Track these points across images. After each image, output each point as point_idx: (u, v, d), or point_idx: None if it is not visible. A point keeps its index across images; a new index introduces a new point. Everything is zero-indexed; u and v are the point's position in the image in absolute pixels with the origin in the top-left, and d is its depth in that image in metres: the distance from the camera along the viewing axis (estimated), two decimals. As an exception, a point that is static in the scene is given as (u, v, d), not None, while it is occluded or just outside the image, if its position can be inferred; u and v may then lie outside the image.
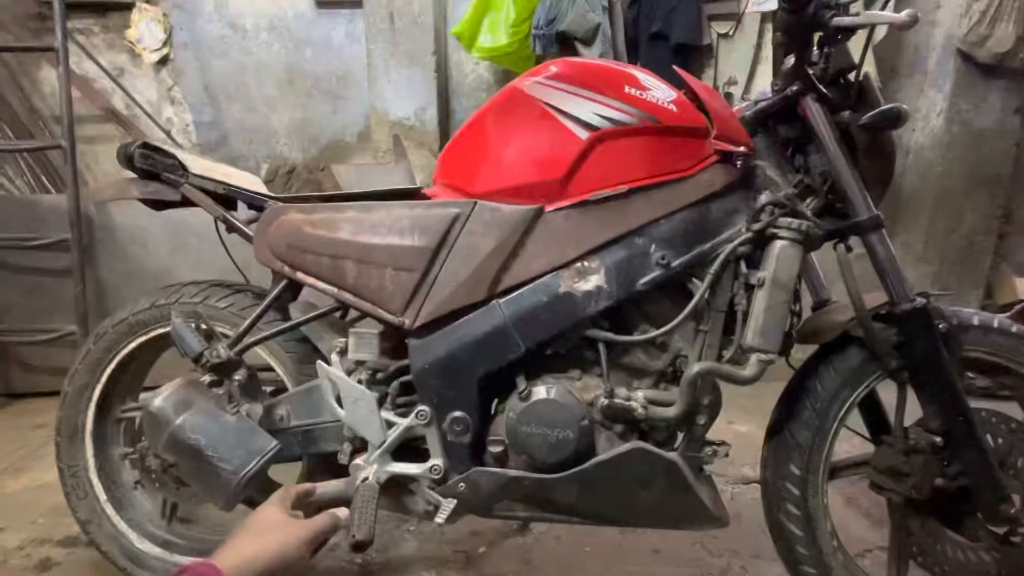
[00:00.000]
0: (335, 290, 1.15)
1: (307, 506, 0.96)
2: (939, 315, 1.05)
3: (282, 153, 3.21)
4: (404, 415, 1.12)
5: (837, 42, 1.04)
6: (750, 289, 1.03)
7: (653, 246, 1.04)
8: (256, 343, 1.23)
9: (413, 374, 1.12)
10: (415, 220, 1.10)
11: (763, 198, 1.03)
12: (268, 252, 1.18)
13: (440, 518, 1.10)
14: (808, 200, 1.08)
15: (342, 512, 0.91)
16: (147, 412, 1.12)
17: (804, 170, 1.10)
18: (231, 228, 1.25)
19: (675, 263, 1.04)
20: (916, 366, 1.07)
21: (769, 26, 2.69)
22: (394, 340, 1.17)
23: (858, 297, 1.05)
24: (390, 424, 1.12)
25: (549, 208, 1.06)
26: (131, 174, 1.26)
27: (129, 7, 3.01)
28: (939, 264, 2.95)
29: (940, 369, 1.05)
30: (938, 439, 1.07)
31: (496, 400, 1.15)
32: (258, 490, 1.18)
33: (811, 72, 1.05)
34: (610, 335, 1.08)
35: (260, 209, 1.21)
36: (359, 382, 1.14)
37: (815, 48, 1.07)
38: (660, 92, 1.02)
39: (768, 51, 2.71)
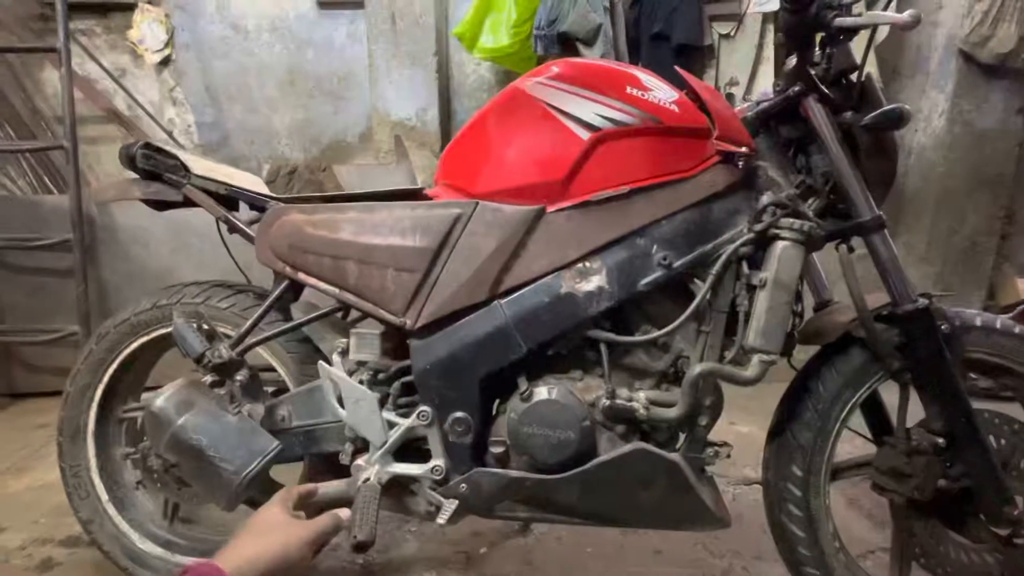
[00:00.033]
0: (336, 291, 1.15)
1: (309, 507, 0.96)
2: (941, 316, 1.05)
3: (283, 154, 3.22)
4: (405, 416, 1.12)
5: (839, 42, 1.03)
6: (752, 290, 1.03)
7: (655, 247, 1.04)
8: (258, 343, 1.23)
9: (414, 374, 1.12)
10: (417, 221, 1.10)
11: (765, 199, 1.02)
12: (270, 252, 1.18)
13: (441, 519, 1.10)
14: (810, 201, 1.08)
15: (344, 513, 0.91)
16: (149, 412, 1.12)
17: (806, 171, 1.10)
18: (233, 229, 1.26)
19: (677, 264, 1.04)
20: (918, 367, 1.07)
21: (771, 27, 2.69)
22: (395, 340, 1.17)
23: (860, 298, 1.05)
24: (391, 425, 1.12)
25: (551, 209, 1.06)
26: (133, 175, 1.27)
27: (131, 8, 3.02)
28: (941, 265, 2.95)
29: (942, 370, 1.05)
30: (940, 440, 1.07)
31: (497, 401, 1.15)
32: (260, 490, 1.18)
33: (813, 73, 1.05)
34: (612, 336, 1.07)
35: (262, 210, 1.21)
36: (360, 383, 1.14)
37: (817, 48, 1.06)
38: (662, 92, 1.02)
39: (770, 51, 2.71)
